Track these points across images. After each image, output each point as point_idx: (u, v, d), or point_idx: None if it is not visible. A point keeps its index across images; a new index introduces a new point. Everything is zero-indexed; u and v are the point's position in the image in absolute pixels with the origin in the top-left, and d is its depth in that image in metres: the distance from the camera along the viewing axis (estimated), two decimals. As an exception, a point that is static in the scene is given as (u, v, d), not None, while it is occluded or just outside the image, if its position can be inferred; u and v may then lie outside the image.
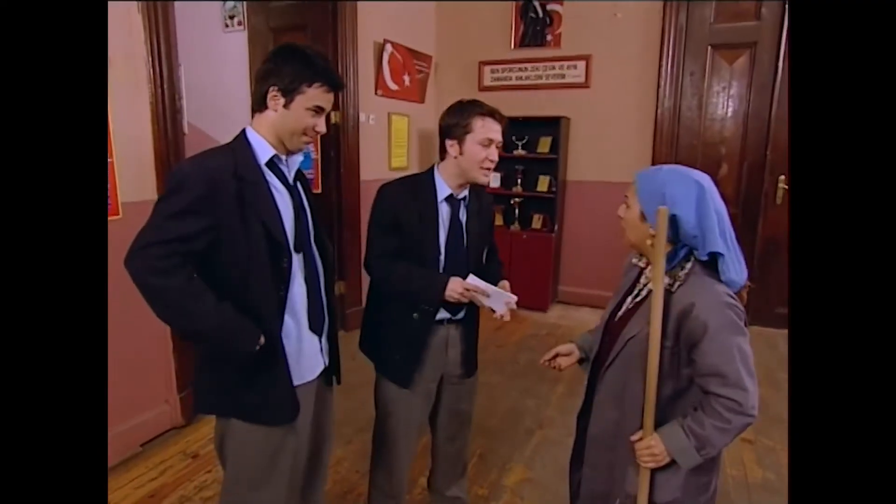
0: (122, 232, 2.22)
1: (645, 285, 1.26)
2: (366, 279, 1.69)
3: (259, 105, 1.31)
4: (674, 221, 1.12)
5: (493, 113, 1.55)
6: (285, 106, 1.28)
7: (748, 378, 1.09)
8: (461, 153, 1.55)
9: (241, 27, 4.58)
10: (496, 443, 2.54)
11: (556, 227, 4.46)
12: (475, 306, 1.65)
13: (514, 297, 1.54)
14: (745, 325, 1.13)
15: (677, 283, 1.15)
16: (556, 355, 1.46)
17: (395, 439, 1.71)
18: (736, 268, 1.12)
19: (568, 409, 2.84)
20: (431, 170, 1.63)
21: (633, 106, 4.23)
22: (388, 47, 4.02)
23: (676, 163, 3.97)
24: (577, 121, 4.42)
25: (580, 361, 1.46)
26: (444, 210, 1.61)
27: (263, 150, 1.30)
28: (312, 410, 1.44)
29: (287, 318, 1.32)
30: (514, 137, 4.48)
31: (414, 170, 4.52)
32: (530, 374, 3.28)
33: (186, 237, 1.18)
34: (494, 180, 4.63)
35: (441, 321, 1.64)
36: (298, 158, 1.39)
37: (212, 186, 1.19)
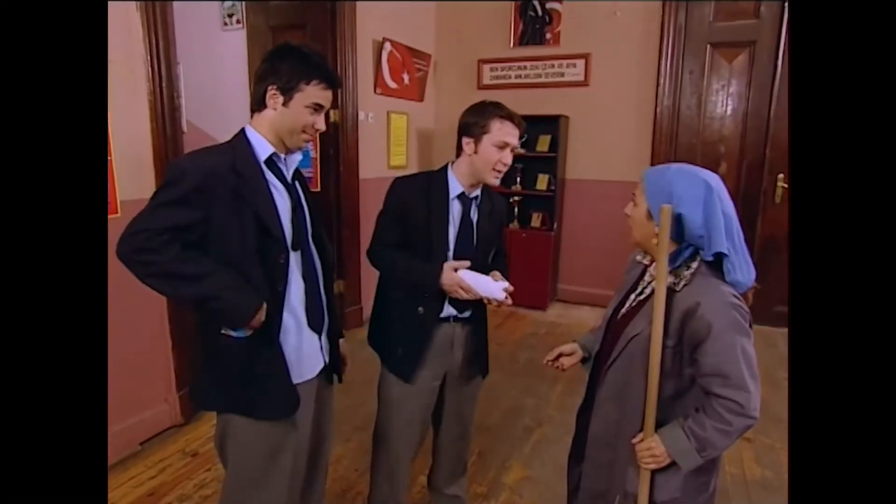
0: (120, 230, 2.23)
1: (649, 283, 1.25)
2: (365, 278, 1.70)
3: (258, 104, 1.31)
4: (680, 220, 1.12)
5: (512, 117, 1.59)
6: (284, 104, 1.29)
7: (751, 380, 1.08)
8: (476, 152, 1.57)
9: (240, 26, 4.57)
10: (495, 441, 2.54)
11: (555, 226, 4.46)
12: (483, 307, 1.66)
13: (502, 287, 1.53)
14: (750, 327, 1.12)
15: (682, 283, 1.14)
16: (560, 355, 1.46)
17: (396, 437, 1.71)
18: (742, 269, 1.11)
19: (567, 407, 2.85)
20: (445, 167, 1.64)
21: (633, 104, 4.23)
22: (388, 46, 4.02)
23: (675, 161, 3.98)
24: (576, 119, 4.42)
25: (583, 361, 1.46)
26: (455, 207, 1.61)
27: (263, 148, 1.31)
28: (313, 409, 1.45)
29: (286, 315, 1.32)
30: (513, 136, 4.46)
31: (413, 169, 4.52)
32: (529, 372, 3.28)
33: (178, 227, 1.19)
34: (494, 179, 4.63)
35: (447, 318, 1.64)
36: (297, 157, 1.39)
37: (207, 180, 1.20)
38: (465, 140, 1.59)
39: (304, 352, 1.38)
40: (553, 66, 4.44)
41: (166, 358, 2.52)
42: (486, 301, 1.55)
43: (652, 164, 4.09)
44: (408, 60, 4.33)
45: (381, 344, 1.72)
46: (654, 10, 4.01)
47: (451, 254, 1.60)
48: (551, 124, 4.32)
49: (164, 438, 2.50)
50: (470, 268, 1.55)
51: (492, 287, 1.51)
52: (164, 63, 2.34)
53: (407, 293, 1.61)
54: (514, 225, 4.56)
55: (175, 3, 2.42)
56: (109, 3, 1.99)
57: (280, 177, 1.34)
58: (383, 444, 1.74)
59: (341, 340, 1.56)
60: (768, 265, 3.95)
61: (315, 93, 1.29)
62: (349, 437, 2.50)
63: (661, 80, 4.05)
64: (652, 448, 1.16)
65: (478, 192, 1.65)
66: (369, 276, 1.59)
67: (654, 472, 1.19)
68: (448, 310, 1.63)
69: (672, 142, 4.13)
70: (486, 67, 4.69)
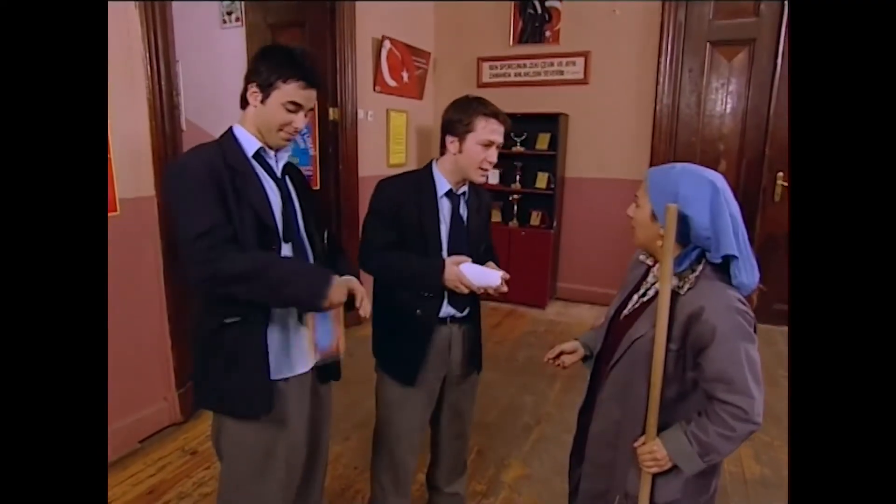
0: (119, 228, 2.24)
1: (652, 284, 1.24)
2: (364, 276, 1.68)
3: (243, 102, 1.34)
4: (685, 222, 1.10)
5: (497, 114, 1.53)
6: (262, 101, 1.30)
7: (755, 385, 1.07)
8: (461, 151, 1.54)
9: (239, 23, 4.56)
10: (494, 439, 2.54)
11: (554, 224, 4.46)
12: (478, 304, 1.66)
13: (499, 275, 1.53)
14: (755, 331, 1.11)
15: (686, 286, 1.13)
16: (561, 353, 1.45)
17: (398, 440, 1.70)
18: (748, 271, 1.10)
19: (566, 405, 2.85)
20: (430, 166, 1.63)
21: (632, 102, 4.23)
22: (387, 44, 4.01)
23: (675, 159, 3.98)
24: (575, 117, 4.42)
25: (584, 359, 1.46)
26: (444, 205, 1.61)
27: (250, 144, 1.32)
28: (308, 405, 1.44)
29: (273, 308, 1.32)
30: (512, 134, 4.47)
31: (412, 166, 4.52)
32: (528, 370, 3.28)
33: (216, 225, 1.20)
34: (493, 177, 4.62)
35: (444, 319, 1.64)
36: (286, 152, 1.41)
37: (210, 172, 1.23)
38: (448, 139, 1.56)
39: (294, 345, 1.37)
40: (552, 64, 4.44)
41: (165, 356, 2.52)
42: (484, 291, 1.55)
43: (651, 163, 4.09)
44: (407, 58, 4.33)
45: (380, 349, 1.71)
46: (654, 8, 4.01)
47: (445, 252, 1.59)
48: (551, 122, 4.32)
49: (164, 436, 2.50)
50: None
51: (490, 277, 1.52)
52: (163, 61, 2.34)
53: (406, 293, 1.60)
54: (514, 223, 4.56)
55: (174, 3, 2.42)
56: (109, 1, 1.98)
57: (269, 171, 1.35)
58: (385, 447, 1.73)
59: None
60: (767, 263, 3.92)
61: (292, 91, 1.28)
62: (348, 434, 2.50)
63: (661, 79, 4.05)
64: (654, 451, 1.15)
65: (465, 188, 1.64)
66: (368, 274, 1.58)
67: (655, 474, 1.19)
68: (446, 310, 1.62)
69: (671, 140, 4.13)
70: (486, 65, 4.68)
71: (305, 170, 3.70)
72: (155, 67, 2.32)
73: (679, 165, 1.16)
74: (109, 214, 2.15)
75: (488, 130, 1.52)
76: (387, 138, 4.23)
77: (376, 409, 1.75)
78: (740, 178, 4.03)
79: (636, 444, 1.19)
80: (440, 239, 1.59)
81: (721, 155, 4.07)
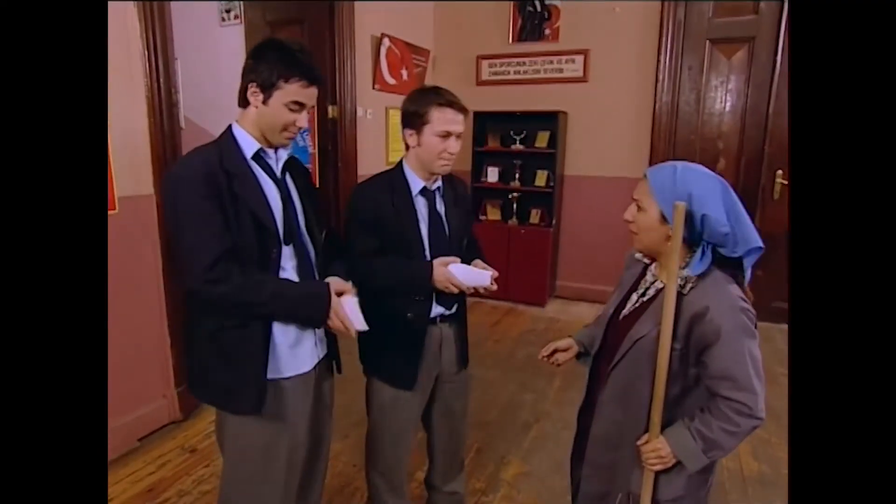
0: (118, 226, 2.24)
1: (652, 283, 1.24)
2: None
3: (242, 101, 1.31)
4: (703, 221, 1.08)
5: (451, 103, 1.48)
6: (264, 102, 1.27)
7: (757, 381, 1.08)
8: (419, 144, 1.51)
9: (238, 21, 4.55)
10: (493, 437, 2.55)
11: (553, 222, 4.46)
12: (464, 301, 1.64)
13: (489, 274, 1.53)
14: (756, 327, 1.12)
15: (689, 286, 1.12)
16: (555, 351, 1.45)
17: (393, 442, 1.69)
18: (753, 258, 1.12)
19: (565, 403, 2.86)
20: (401, 164, 1.59)
21: (632, 100, 4.22)
22: (386, 41, 4.01)
23: (674, 157, 3.98)
24: (575, 115, 4.41)
25: (578, 356, 1.46)
26: (420, 203, 1.58)
27: (248, 145, 1.30)
28: (311, 402, 1.44)
29: None
30: (512, 132, 4.47)
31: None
32: (528, 368, 3.29)
33: (222, 243, 1.20)
34: (492, 175, 4.63)
35: (434, 320, 1.62)
36: (286, 151, 1.39)
37: (208, 180, 1.21)
38: (407, 132, 1.53)
39: (298, 344, 1.37)
40: (552, 61, 4.44)
41: (164, 354, 2.53)
42: (474, 290, 1.54)
43: (651, 161, 4.09)
44: (406, 56, 4.33)
45: (371, 355, 1.68)
46: (653, 5, 4.01)
47: (427, 251, 1.57)
48: (550, 120, 4.32)
49: (163, 434, 2.50)
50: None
51: (480, 276, 1.51)
52: (162, 59, 2.34)
53: (394, 298, 1.57)
54: (513, 221, 4.56)
55: (173, 2, 2.41)
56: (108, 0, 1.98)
57: (269, 171, 1.33)
58: (380, 450, 1.73)
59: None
60: (766, 261, 3.94)
61: (295, 91, 1.26)
62: (347, 432, 2.51)
63: (660, 77, 4.05)
64: (658, 449, 1.16)
65: (438, 182, 1.61)
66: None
67: (658, 473, 1.19)
68: (436, 309, 1.60)
69: (671, 138, 4.13)
70: (485, 63, 4.68)
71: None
72: (153, 65, 2.31)
73: (679, 164, 1.14)
74: (109, 213, 2.14)
75: (444, 121, 1.47)
76: (386, 136, 4.23)
77: (368, 414, 1.73)
78: (739, 176, 4.03)
79: (640, 443, 1.20)
80: (422, 239, 1.56)
81: (720, 153, 4.08)
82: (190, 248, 1.20)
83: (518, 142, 4.47)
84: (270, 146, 1.34)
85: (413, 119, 1.50)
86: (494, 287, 1.53)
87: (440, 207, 1.62)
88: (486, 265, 1.60)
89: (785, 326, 3.80)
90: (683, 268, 1.14)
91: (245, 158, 1.29)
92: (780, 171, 3.90)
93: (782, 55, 3.71)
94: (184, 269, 1.23)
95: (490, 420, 2.70)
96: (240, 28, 4.42)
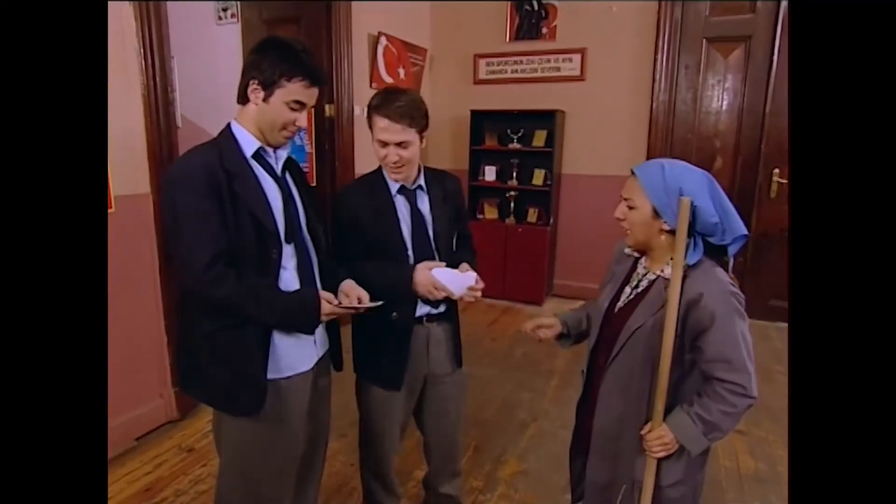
0: (115, 225, 2.23)
1: (644, 276, 1.28)
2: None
3: (242, 98, 1.30)
4: (694, 213, 1.14)
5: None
6: (265, 100, 1.26)
7: (749, 362, 1.14)
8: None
9: (235, 19, 4.53)
10: (491, 435, 2.55)
11: (551, 221, 4.47)
12: (454, 300, 1.63)
13: (474, 276, 1.53)
14: (744, 310, 1.17)
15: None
16: (539, 326, 1.49)
17: (381, 440, 1.70)
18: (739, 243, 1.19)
19: (562, 401, 2.86)
20: (380, 166, 1.59)
21: (629, 99, 4.23)
22: (383, 40, 4.00)
23: (671, 156, 3.99)
24: (572, 114, 4.42)
25: (559, 337, 1.50)
26: (400, 203, 1.57)
27: (248, 143, 1.29)
28: (308, 401, 1.44)
29: None
30: (509, 131, 4.47)
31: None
32: (525, 367, 3.29)
33: (217, 245, 1.20)
34: (489, 174, 4.63)
35: (420, 318, 1.61)
36: (286, 150, 1.39)
37: (208, 180, 1.20)
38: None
39: (298, 344, 1.37)
40: (549, 60, 4.44)
41: (162, 353, 2.52)
42: (460, 299, 1.53)
43: (648, 159, 4.10)
44: (403, 55, 4.32)
45: (358, 356, 1.68)
46: (650, 5, 4.01)
47: (410, 252, 1.56)
48: (547, 119, 4.32)
49: (160, 434, 2.50)
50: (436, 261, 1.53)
51: (464, 279, 1.51)
52: (158, 57, 2.33)
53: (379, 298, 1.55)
54: (511, 220, 4.56)
55: (169, 1, 2.41)
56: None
57: (269, 170, 1.32)
58: (371, 449, 1.74)
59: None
60: (763, 259, 3.98)
61: (296, 90, 1.26)
62: (345, 431, 2.50)
63: (657, 75, 4.05)
64: (662, 437, 1.20)
65: (420, 181, 1.60)
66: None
67: (660, 459, 1.23)
68: (422, 309, 1.59)
69: (668, 137, 4.13)
70: (482, 62, 4.67)
71: (302, 167, 3.69)
72: (150, 64, 2.30)
73: (665, 161, 1.21)
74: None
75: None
76: (383, 135, 4.22)
77: (359, 413, 1.73)
78: (736, 174, 4.04)
79: (643, 432, 1.23)
80: (403, 239, 1.55)
81: (717, 152, 4.08)
82: (188, 247, 1.19)
83: (515, 140, 4.47)
84: (269, 145, 1.33)
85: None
86: (481, 285, 1.53)
87: (423, 206, 1.60)
88: (471, 269, 1.57)
89: (781, 324, 3.81)
90: (671, 258, 1.19)
91: (245, 157, 1.28)
92: (776, 170, 3.91)
93: (779, 54, 3.72)
94: (181, 268, 1.23)
95: (487, 418, 2.70)
96: (236, 27, 4.41)
